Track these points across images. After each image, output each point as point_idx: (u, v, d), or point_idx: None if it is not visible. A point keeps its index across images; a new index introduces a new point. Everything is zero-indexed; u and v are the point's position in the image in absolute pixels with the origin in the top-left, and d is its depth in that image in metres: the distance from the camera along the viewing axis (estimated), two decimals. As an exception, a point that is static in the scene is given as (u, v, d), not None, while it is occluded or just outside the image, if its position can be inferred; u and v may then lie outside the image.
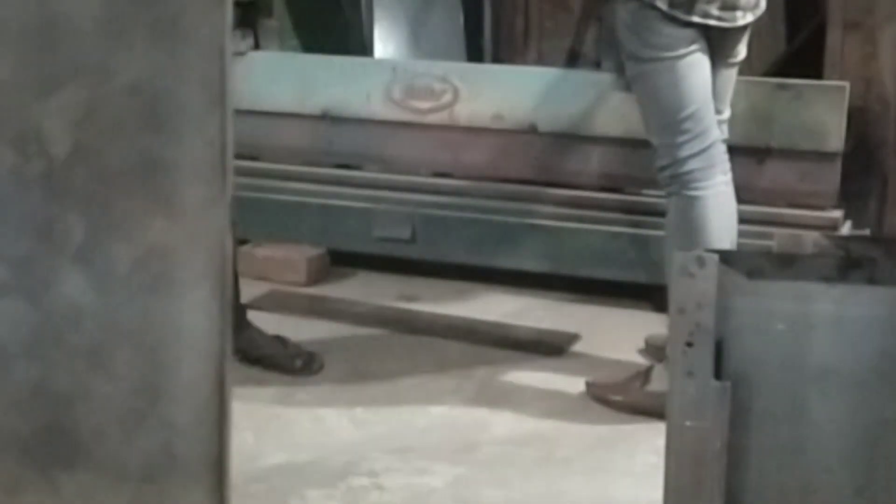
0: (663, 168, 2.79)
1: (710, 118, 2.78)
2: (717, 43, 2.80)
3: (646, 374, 2.90)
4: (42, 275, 2.14)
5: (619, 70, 3.01)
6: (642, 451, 2.64)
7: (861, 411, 1.56)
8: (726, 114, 2.96)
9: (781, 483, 1.59)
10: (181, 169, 2.12)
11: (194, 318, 2.07)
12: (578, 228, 3.53)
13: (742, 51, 2.92)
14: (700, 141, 2.76)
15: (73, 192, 2.15)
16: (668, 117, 2.76)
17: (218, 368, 2.03)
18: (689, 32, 2.71)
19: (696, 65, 2.75)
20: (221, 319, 2.05)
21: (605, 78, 3.49)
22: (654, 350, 3.12)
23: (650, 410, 2.78)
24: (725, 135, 2.93)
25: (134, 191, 2.14)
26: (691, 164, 2.76)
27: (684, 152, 2.75)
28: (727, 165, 2.85)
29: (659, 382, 2.80)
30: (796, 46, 4.01)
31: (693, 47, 2.73)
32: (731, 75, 2.95)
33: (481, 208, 3.64)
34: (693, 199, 2.76)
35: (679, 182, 2.77)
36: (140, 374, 2.05)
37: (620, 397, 2.89)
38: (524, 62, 4.52)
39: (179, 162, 2.13)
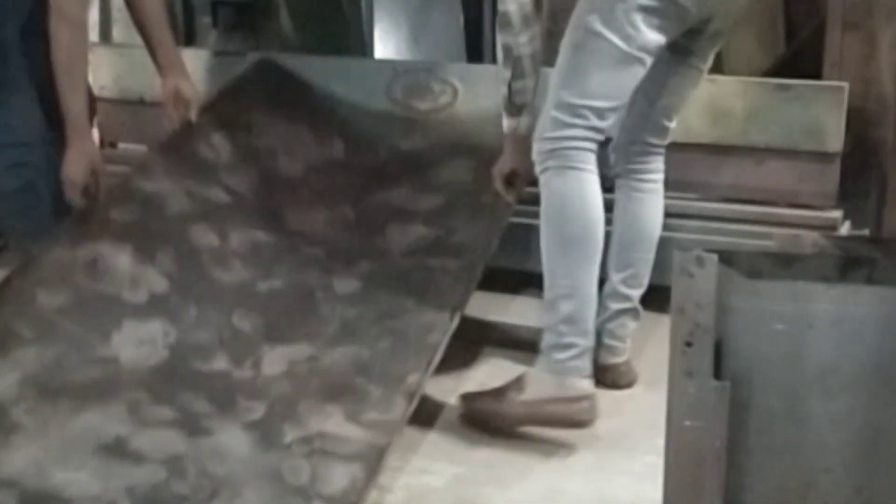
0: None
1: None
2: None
3: (518, 382, 2.78)
4: (206, 426, 2.45)
5: None
6: (642, 450, 2.65)
7: (860, 411, 1.56)
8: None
9: (781, 483, 1.60)
10: (370, 395, 2.57)
11: (335, 478, 2.35)
12: (578, 228, 3.53)
13: None
14: None
15: (268, 392, 2.58)
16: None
17: None
18: None
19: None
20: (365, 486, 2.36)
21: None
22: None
23: (528, 420, 2.74)
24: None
25: (323, 399, 2.55)
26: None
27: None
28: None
29: (533, 390, 2.74)
30: (796, 47, 4.01)
31: None
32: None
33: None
34: None
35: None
36: None
37: (497, 409, 2.78)
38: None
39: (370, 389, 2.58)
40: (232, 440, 2.39)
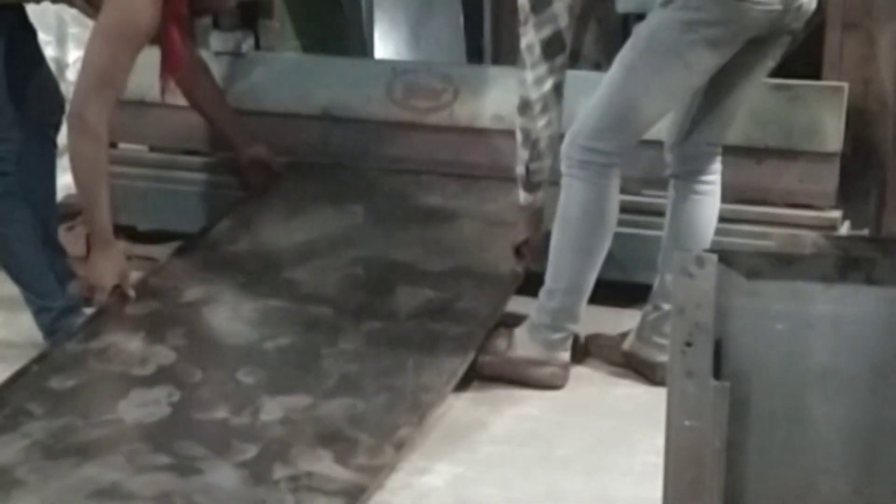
0: None
1: None
2: None
3: (509, 338, 3.01)
4: (199, 466, 2.49)
5: None
6: (642, 450, 2.65)
7: (860, 411, 1.56)
8: None
9: (781, 483, 1.60)
10: (361, 443, 2.58)
11: None
12: (578, 229, 3.53)
13: None
14: None
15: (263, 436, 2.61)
16: None
17: None
18: None
19: None
20: None
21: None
22: (598, 348, 3.17)
23: (509, 376, 2.99)
24: None
25: (315, 444, 2.58)
26: None
27: None
28: None
29: (521, 349, 2.98)
30: (795, 46, 4.00)
31: None
32: None
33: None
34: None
35: None
36: None
37: (481, 359, 2.99)
38: (524, 62, 4.50)
39: None
40: (222, 478, 2.44)
